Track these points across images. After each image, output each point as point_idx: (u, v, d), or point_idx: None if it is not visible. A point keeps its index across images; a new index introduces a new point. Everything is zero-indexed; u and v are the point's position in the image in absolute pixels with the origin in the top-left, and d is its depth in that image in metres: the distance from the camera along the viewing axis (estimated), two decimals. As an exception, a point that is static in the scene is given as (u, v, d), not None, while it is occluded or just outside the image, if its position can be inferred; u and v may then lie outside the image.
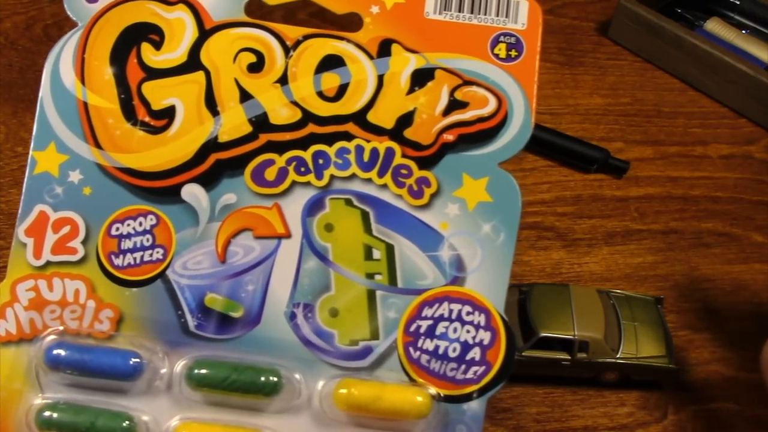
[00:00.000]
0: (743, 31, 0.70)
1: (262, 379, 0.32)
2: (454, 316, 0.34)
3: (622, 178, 0.60)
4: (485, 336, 0.33)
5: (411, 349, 0.33)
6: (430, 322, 0.34)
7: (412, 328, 0.34)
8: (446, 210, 0.34)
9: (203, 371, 0.33)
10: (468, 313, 0.33)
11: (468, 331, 0.33)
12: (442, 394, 0.33)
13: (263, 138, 0.35)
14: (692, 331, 0.52)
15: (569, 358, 0.46)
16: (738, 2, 0.72)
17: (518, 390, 0.47)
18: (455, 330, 0.33)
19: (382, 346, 0.34)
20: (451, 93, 0.35)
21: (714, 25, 0.69)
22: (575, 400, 0.47)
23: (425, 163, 0.35)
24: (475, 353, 0.33)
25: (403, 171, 0.35)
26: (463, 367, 0.33)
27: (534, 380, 0.48)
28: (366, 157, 0.35)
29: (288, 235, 0.34)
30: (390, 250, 0.34)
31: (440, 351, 0.33)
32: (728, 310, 0.53)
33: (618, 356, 0.46)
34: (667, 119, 0.65)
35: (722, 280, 0.55)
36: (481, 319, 0.33)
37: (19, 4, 0.66)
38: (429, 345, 0.33)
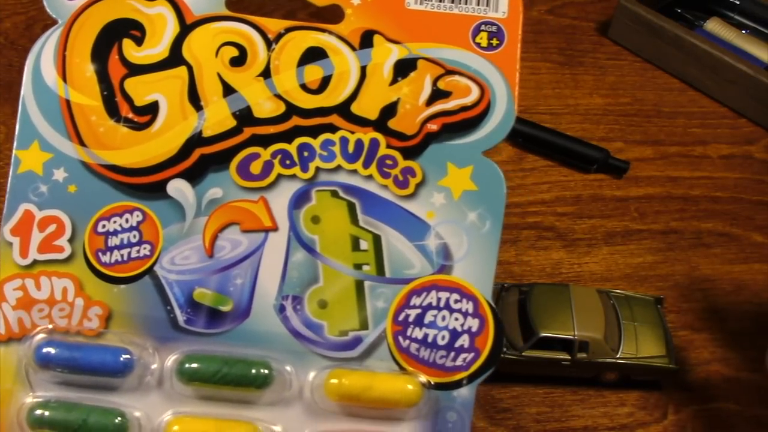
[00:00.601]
0: (743, 31, 0.70)
1: (253, 371, 0.33)
2: (442, 304, 0.34)
3: (622, 178, 0.61)
4: (473, 323, 0.34)
5: (400, 338, 0.34)
6: (419, 310, 0.34)
7: (401, 317, 0.34)
8: (432, 199, 0.35)
9: (194, 365, 0.33)
10: (456, 301, 0.34)
11: (456, 319, 0.34)
12: (432, 382, 0.34)
13: (248, 132, 0.35)
14: (692, 331, 0.52)
15: (569, 358, 0.46)
16: (738, 2, 0.72)
17: (518, 390, 0.48)
18: (444, 318, 0.34)
19: (372, 335, 0.34)
20: (434, 83, 0.36)
21: (714, 25, 0.70)
22: (575, 400, 0.48)
23: (410, 153, 0.35)
24: (463, 340, 0.34)
25: (388, 161, 0.35)
26: (452, 354, 0.34)
27: (534, 380, 0.48)
28: (351, 148, 0.35)
29: (275, 228, 0.35)
30: (377, 240, 0.35)
31: (429, 339, 0.34)
32: (728, 310, 0.53)
33: (618, 356, 0.46)
34: (667, 119, 0.66)
35: (722, 280, 0.55)
36: (469, 306, 0.34)
37: (19, 4, 0.66)
38: (418, 333, 0.34)
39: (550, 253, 0.56)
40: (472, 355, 0.34)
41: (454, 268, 0.34)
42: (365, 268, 0.35)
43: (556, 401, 0.48)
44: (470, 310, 0.34)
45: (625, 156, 0.62)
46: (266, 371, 0.33)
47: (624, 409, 0.48)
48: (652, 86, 0.69)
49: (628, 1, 0.69)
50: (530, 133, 0.62)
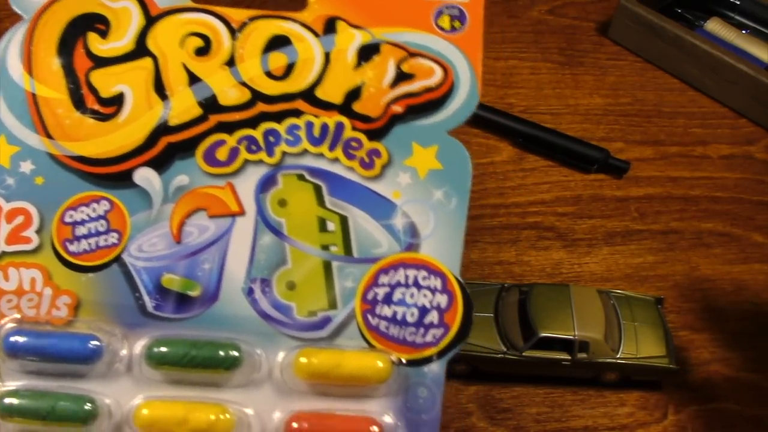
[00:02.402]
0: (743, 31, 0.72)
1: (222, 353, 0.34)
2: (410, 281, 0.35)
3: (622, 178, 0.62)
4: (442, 299, 0.35)
5: (369, 317, 0.35)
6: (387, 288, 0.35)
7: (370, 295, 0.35)
8: (398, 179, 0.36)
9: (162, 349, 0.34)
10: (424, 278, 0.35)
11: (425, 296, 0.35)
12: (403, 360, 0.35)
13: (213, 119, 0.37)
14: (692, 331, 0.53)
15: (569, 358, 0.47)
16: (738, 2, 0.74)
17: (518, 390, 0.49)
18: (412, 295, 0.35)
19: (341, 315, 0.35)
20: (398, 66, 0.37)
21: (714, 25, 0.71)
22: (575, 400, 0.49)
23: (375, 135, 0.37)
24: (432, 317, 0.35)
25: (354, 144, 0.37)
26: (421, 330, 0.35)
27: (534, 380, 0.49)
28: (316, 132, 0.37)
29: (242, 213, 0.36)
30: (344, 221, 0.36)
31: (398, 317, 0.35)
32: (728, 310, 0.54)
33: (618, 356, 0.47)
34: (667, 119, 0.67)
35: (722, 280, 0.56)
36: (437, 283, 0.35)
37: (19, 4, 0.68)
38: (387, 311, 0.35)
39: (550, 253, 0.57)
40: (442, 330, 0.35)
41: (421, 246, 0.36)
42: (333, 248, 0.36)
43: (556, 401, 0.49)
44: (438, 287, 0.35)
45: (626, 156, 0.63)
46: (235, 353, 0.34)
47: (624, 409, 0.49)
48: (653, 86, 0.70)
49: (629, 1, 0.70)
50: (530, 133, 0.63)
